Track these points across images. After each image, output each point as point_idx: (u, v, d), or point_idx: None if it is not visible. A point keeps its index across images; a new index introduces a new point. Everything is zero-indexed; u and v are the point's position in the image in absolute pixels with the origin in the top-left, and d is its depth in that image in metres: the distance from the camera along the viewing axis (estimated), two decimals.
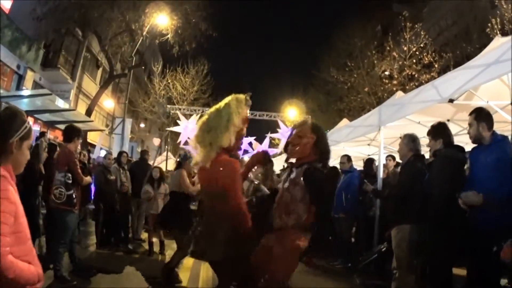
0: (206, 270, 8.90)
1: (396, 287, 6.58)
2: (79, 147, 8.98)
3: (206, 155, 4.74)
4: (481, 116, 5.21)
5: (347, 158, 11.52)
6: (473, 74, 6.97)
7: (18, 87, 26.67)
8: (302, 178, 4.72)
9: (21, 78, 27.16)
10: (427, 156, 7.50)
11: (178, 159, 8.64)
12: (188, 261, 9.16)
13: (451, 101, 6.55)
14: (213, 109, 5.08)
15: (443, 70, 27.09)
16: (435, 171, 6.02)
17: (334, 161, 12.98)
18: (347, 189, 10.83)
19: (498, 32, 23.66)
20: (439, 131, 6.25)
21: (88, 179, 8.14)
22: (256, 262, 4.68)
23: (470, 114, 5.31)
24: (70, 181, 7.34)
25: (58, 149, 9.29)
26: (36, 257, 2.86)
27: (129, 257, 10.21)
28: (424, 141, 6.90)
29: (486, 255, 4.74)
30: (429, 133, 6.55)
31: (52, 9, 26.94)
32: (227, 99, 5.08)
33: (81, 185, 7.70)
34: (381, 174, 9.68)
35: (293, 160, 5.18)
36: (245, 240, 4.64)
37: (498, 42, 8.18)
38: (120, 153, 12.93)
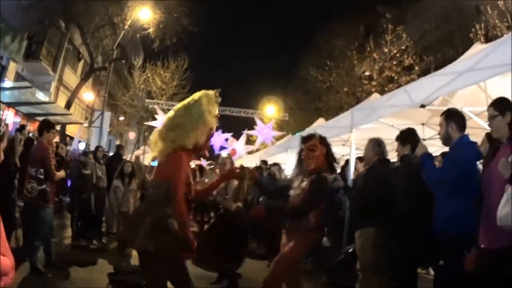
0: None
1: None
2: (56, 140, 9.05)
3: (162, 151, 4.55)
4: (451, 116, 5.16)
5: None
6: (445, 80, 7.10)
7: (0, 78, 26.39)
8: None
9: (3, 69, 27.00)
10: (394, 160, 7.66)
11: None
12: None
13: (422, 106, 6.68)
14: (180, 105, 4.91)
15: (424, 73, 27.25)
16: (402, 176, 6.18)
17: None
18: None
19: (481, 37, 23.85)
20: (408, 136, 6.37)
21: (61, 174, 8.14)
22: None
23: (441, 114, 5.22)
24: (42, 176, 7.39)
25: (35, 143, 9.33)
26: (9, 249, 2.88)
27: (103, 251, 10.27)
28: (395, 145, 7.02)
29: (450, 263, 4.89)
30: (397, 138, 6.68)
31: (38, 0, 26.90)
32: (196, 96, 4.94)
33: (52, 181, 7.70)
34: (351, 175, 9.84)
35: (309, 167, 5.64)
36: (173, 233, 4.25)
37: (476, 49, 8.33)
38: (97, 148, 12.99)
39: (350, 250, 7.89)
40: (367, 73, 32.73)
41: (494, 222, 3.64)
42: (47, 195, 7.46)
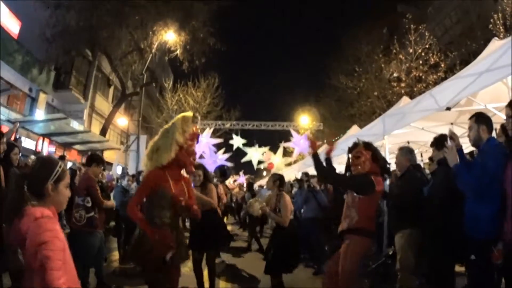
0: (224, 282, 9.47)
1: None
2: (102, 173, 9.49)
3: (146, 170, 5.37)
4: (481, 119, 5.33)
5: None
6: (466, 83, 7.30)
7: (31, 109, 27.13)
8: None
9: (33, 101, 27.59)
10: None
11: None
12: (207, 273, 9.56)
13: (448, 109, 6.85)
14: (162, 129, 5.48)
15: (450, 69, 27.22)
16: (439, 178, 6.38)
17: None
18: None
19: (500, 27, 23.93)
20: (441, 142, 6.56)
21: (110, 203, 8.63)
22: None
23: (471, 118, 5.42)
24: (89, 204, 7.76)
25: (77, 173, 9.70)
26: (78, 284, 3.23)
27: None
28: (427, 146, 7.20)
29: (480, 259, 5.03)
30: (432, 145, 6.94)
31: (61, 32, 27.40)
32: (174, 119, 5.50)
33: (101, 208, 8.08)
34: (387, 181, 10.02)
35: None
36: (143, 245, 5.07)
37: (495, 45, 8.44)
38: (139, 173, 13.23)
39: (390, 253, 8.12)
40: (395, 75, 32.59)
41: None
42: (95, 222, 7.82)
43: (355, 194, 5.76)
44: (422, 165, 10.19)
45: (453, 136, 5.34)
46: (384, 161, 6.08)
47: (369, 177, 5.63)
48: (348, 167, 6.32)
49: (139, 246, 5.09)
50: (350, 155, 6.11)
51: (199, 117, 5.71)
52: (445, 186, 5.90)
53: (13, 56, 25.30)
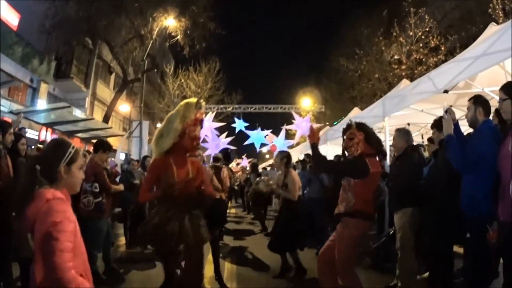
0: (229, 263, 9.71)
1: (400, 266, 7.14)
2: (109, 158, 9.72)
3: (153, 156, 5.57)
4: (479, 101, 5.49)
5: None
6: (463, 66, 7.43)
7: (33, 100, 27.45)
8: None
9: (35, 91, 27.91)
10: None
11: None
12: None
13: (445, 91, 6.99)
14: (168, 115, 5.64)
15: (450, 52, 27.23)
16: (440, 159, 6.52)
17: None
18: None
19: (499, 12, 23.89)
20: (442, 123, 6.77)
21: (119, 187, 8.90)
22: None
23: (469, 99, 5.58)
24: (97, 190, 8.05)
25: (84, 160, 9.89)
26: (89, 270, 3.21)
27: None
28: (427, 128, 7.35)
29: (475, 238, 5.18)
30: (432, 126, 7.11)
31: (60, 23, 27.48)
32: (178, 105, 5.66)
33: (109, 193, 8.34)
34: (388, 161, 10.20)
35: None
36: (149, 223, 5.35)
37: (491, 30, 8.57)
38: (144, 158, 13.51)
39: (391, 233, 8.25)
40: (396, 57, 32.61)
41: (509, 197, 4.06)
42: (103, 207, 8.09)
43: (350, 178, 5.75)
44: (424, 146, 10.37)
45: (448, 110, 5.52)
46: (378, 141, 6.04)
47: (363, 159, 5.62)
48: (344, 149, 6.29)
49: (152, 227, 5.26)
50: (344, 137, 6.08)
51: (203, 103, 5.82)
52: (446, 166, 5.97)
53: (13, 48, 25.38)
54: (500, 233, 4.47)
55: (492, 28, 8.71)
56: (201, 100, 5.81)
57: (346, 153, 6.14)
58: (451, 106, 9.21)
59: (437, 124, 6.79)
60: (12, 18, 25.64)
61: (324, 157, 6.53)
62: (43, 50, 28.27)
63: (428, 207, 6.57)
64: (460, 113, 9.69)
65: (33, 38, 26.72)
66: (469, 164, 5.18)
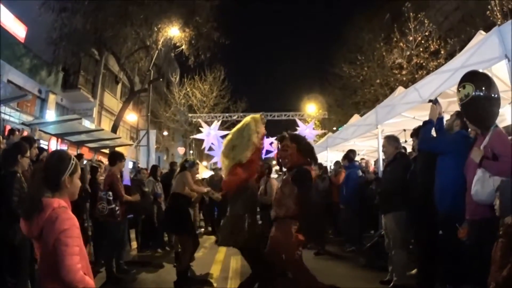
0: (235, 262, 10.17)
1: (393, 263, 7.81)
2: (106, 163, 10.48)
3: (226, 167, 5.96)
4: (459, 116, 6.13)
5: (346, 155, 12.76)
6: (444, 78, 8.08)
7: (42, 110, 28.06)
8: (291, 179, 5.72)
9: (43, 102, 28.47)
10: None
11: (184, 164, 9.28)
12: (220, 255, 10.38)
13: (430, 101, 7.49)
14: (235, 129, 6.10)
15: (450, 55, 27.41)
16: (419, 165, 7.13)
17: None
18: (346, 183, 11.96)
19: (498, 14, 24.12)
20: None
21: (135, 197, 9.70)
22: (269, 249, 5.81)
23: (453, 113, 6.33)
24: (111, 198, 8.72)
25: (99, 170, 10.60)
26: (90, 269, 3.48)
27: (167, 255, 11.49)
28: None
29: (445, 234, 5.84)
30: (412, 135, 7.83)
31: (67, 35, 27.99)
32: (245, 121, 6.15)
33: (121, 201, 9.01)
34: (381, 167, 10.83)
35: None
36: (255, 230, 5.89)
37: (478, 39, 9.08)
38: (154, 167, 14.09)
39: (382, 233, 8.81)
40: (398, 61, 32.63)
41: (471, 198, 4.75)
42: (116, 213, 8.75)
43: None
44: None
45: (437, 102, 6.30)
46: (309, 151, 6.09)
47: (306, 173, 5.81)
48: (277, 159, 6.47)
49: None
50: (278, 147, 6.18)
51: (265, 119, 6.36)
52: (425, 170, 6.57)
53: (21, 60, 26.14)
54: (469, 231, 5.02)
55: (479, 36, 9.22)
56: (263, 116, 6.40)
57: (282, 164, 6.30)
58: (443, 112, 9.87)
59: (417, 133, 7.35)
60: (19, 30, 26.40)
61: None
62: (51, 61, 28.93)
63: (411, 208, 7.21)
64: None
65: (41, 50, 27.44)
66: (429, 147, 6.20)
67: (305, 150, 6.01)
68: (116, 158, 9.36)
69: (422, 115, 10.85)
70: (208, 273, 9.41)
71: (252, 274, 6.17)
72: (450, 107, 10.13)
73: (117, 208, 8.78)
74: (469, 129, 5.90)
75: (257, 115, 6.22)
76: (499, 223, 4.13)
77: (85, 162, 13.80)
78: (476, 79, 4.96)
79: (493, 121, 4.91)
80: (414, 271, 8.09)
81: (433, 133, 6.26)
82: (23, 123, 20.19)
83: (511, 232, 3.89)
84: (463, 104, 5.07)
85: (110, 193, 8.77)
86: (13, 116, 23.03)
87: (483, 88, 4.83)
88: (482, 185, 4.62)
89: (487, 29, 9.42)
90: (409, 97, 9.80)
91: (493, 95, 4.85)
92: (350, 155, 12.74)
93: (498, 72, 7.19)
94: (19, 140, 8.10)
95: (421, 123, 6.66)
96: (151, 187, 12.79)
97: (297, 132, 18.33)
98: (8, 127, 13.74)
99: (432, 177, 6.13)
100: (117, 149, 26.89)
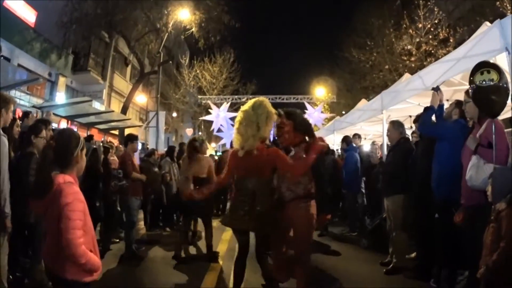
0: None
1: (394, 245, 8.05)
2: (116, 144, 11.05)
3: (251, 144, 5.50)
4: (458, 106, 6.45)
5: (344, 139, 13.04)
6: (447, 67, 8.24)
7: (52, 93, 28.42)
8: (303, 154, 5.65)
9: (53, 85, 28.83)
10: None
11: (196, 144, 9.18)
12: (226, 235, 10.65)
13: (433, 89, 7.59)
14: (246, 107, 5.75)
15: (459, 44, 27.14)
16: (420, 150, 7.46)
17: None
18: (345, 166, 12.26)
19: (507, 4, 24.13)
20: None
21: (141, 176, 9.92)
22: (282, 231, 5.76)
23: (452, 103, 6.59)
24: (121, 175, 9.43)
25: (110, 150, 10.94)
26: (96, 246, 3.57)
27: (176, 234, 11.41)
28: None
29: (442, 217, 6.11)
30: (415, 121, 8.06)
31: (78, 19, 28.28)
32: (258, 100, 5.81)
33: (130, 178, 9.49)
34: (385, 150, 11.12)
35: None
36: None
37: (483, 29, 9.22)
38: (171, 148, 14.49)
39: (384, 216, 9.00)
40: (408, 47, 32.81)
41: (466, 184, 4.99)
42: (126, 189, 9.42)
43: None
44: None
45: (439, 90, 6.59)
46: (305, 127, 6.09)
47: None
48: (274, 137, 6.63)
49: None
50: (275, 126, 6.14)
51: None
52: (426, 155, 6.80)
53: (31, 44, 26.40)
54: (464, 216, 5.27)
55: (483, 28, 9.33)
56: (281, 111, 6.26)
57: (279, 141, 6.30)
58: (447, 100, 10.08)
59: (419, 120, 7.60)
60: (30, 16, 26.59)
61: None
62: (61, 44, 29.20)
63: (413, 192, 7.43)
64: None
65: (51, 34, 27.68)
66: (429, 131, 6.58)
67: (302, 126, 6.03)
68: (127, 139, 10.11)
69: (427, 102, 11.01)
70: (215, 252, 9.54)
71: (240, 248, 5.98)
72: (454, 95, 10.36)
73: (126, 184, 9.40)
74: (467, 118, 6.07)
75: (265, 99, 5.93)
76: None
77: (97, 143, 14.07)
78: (498, 68, 4.87)
79: (500, 112, 4.97)
80: (413, 255, 8.37)
81: (434, 119, 6.48)
82: (33, 106, 20.35)
83: (502, 218, 4.06)
84: (481, 87, 4.86)
85: (121, 171, 9.43)
86: (23, 99, 23.42)
87: (504, 79, 4.82)
88: (476, 171, 4.81)
89: (496, 19, 9.53)
90: (413, 84, 10.01)
91: (509, 87, 4.89)
92: (348, 138, 12.97)
93: (499, 63, 7.36)
94: (34, 121, 8.40)
95: None
96: (168, 167, 13.09)
97: (305, 115, 18.54)
98: (18, 110, 13.90)
99: (431, 163, 6.40)
100: (127, 130, 27.24)
